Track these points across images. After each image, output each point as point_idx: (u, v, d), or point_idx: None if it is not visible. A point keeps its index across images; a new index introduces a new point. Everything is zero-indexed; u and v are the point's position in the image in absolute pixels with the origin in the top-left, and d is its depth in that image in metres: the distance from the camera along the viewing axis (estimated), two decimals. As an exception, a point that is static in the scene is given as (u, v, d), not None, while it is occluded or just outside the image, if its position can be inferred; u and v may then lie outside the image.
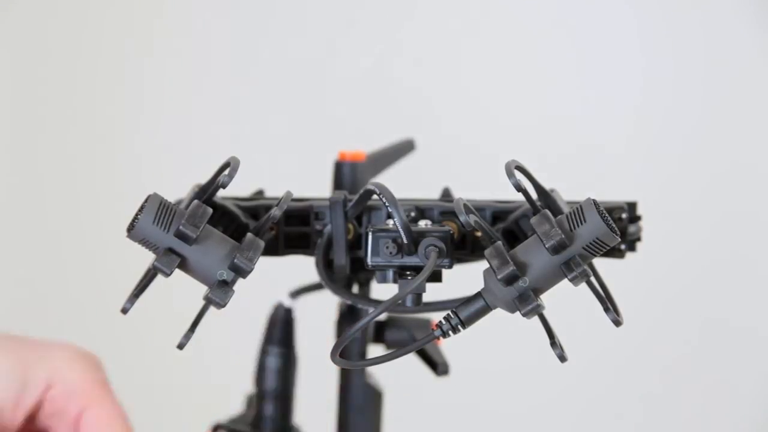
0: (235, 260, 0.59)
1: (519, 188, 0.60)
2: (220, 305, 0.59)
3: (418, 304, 0.62)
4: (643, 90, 1.56)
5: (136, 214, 0.59)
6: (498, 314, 0.61)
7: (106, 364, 0.78)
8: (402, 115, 1.53)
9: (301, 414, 0.86)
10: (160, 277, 0.61)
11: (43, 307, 1.55)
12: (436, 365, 0.83)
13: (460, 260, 0.68)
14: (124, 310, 0.61)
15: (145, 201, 0.60)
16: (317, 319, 0.90)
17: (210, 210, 0.60)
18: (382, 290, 0.65)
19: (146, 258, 0.61)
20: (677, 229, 1.53)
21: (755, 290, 1.56)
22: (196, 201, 0.60)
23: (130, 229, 0.59)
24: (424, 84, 1.55)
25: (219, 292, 0.59)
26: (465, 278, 0.66)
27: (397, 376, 0.91)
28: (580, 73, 1.57)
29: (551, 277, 0.59)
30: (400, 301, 0.60)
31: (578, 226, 0.58)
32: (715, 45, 1.54)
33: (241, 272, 0.59)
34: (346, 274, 0.69)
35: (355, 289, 0.79)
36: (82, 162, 1.57)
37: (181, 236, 0.59)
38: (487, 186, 0.78)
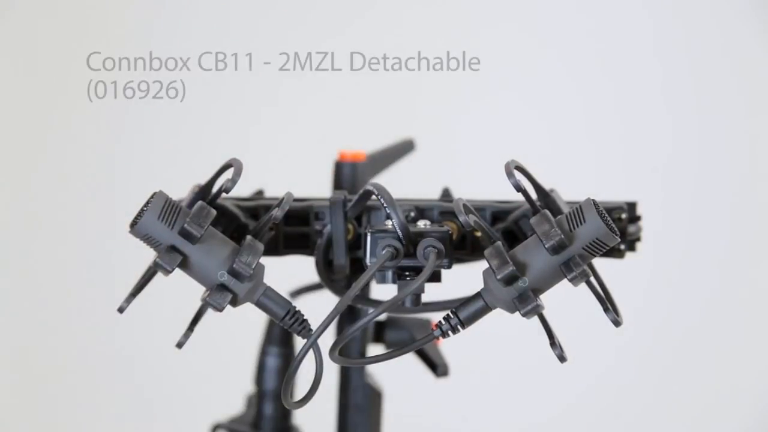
0: (234, 265, 0.59)
1: (519, 188, 0.60)
2: (219, 309, 0.59)
3: (418, 305, 0.62)
4: (641, 90, 1.56)
5: (141, 210, 0.59)
6: (498, 314, 0.61)
7: (106, 364, 0.77)
8: (402, 115, 1.53)
9: (301, 414, 0.86)
10: (158, 278, 0.62)
11: (43, 306, 1.55)
12: (436, 366, 0.83)
13: (460, 260, 0.68)
14: (121, 310, 0.61)
15: (151, 197, 0.60)
16: (317, 319, 0.90)
17: (214, 212, 0.60)
18: (383, 291, 0.65)
19: (143, 258, 0.61)
20: (677, 229, 1.53)
21: (755, 289, 1.55)
22: (200, 202, 0.60)
23: (134, 224, 0.59)
24: (424, 83, 1.55)
25: (218, 296, 0.59)
26: (465, 278, 0.66)
27: (397, 376, 0.91)
28: (581, 72, 1.57)
29: (551, 278, 0.59)
30: (399, 302, 0.60)
31: (578, 226, 0.58)
32: (716, 44, 1.54)
33: (240, 277, 0.60)
34: (346, 274, 0.69)
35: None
36: (82, 160, 1.57)
37: (185, 235, 0.59)
38: (487, 186, 0.78)
